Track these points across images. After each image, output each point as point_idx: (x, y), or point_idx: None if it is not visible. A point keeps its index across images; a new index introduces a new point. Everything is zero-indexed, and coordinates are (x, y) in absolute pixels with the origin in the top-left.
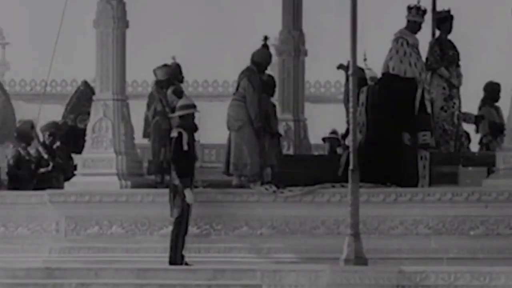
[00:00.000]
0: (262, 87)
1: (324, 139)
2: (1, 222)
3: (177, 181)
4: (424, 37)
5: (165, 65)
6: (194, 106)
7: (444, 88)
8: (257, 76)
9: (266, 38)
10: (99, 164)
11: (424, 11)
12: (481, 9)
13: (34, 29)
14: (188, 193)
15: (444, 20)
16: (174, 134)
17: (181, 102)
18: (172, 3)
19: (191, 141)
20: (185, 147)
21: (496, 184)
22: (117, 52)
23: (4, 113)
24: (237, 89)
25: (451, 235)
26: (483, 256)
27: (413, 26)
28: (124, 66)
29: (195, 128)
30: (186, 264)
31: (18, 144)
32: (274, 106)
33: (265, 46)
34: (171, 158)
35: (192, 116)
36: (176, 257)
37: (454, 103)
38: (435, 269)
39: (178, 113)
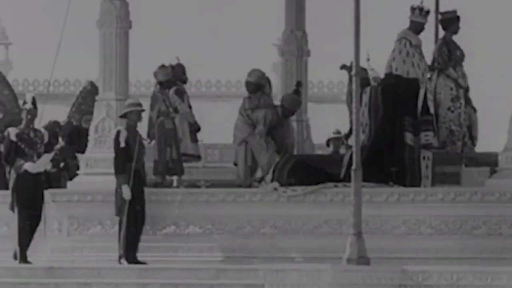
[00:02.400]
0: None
1: (328, 142)
2: (4, 222)
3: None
4: (427, 37)
5: (163, 66)
6: (138, 105)
7: (451, 89)
8: (275, 116)
9: (299, 84)
10: (101, 164)
11: (428, 12)
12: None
13: (37, 29)
14: (125, 190)
15: (451, 21)
16: (113, 131)
17: (126, 102)
18: (175, 3)
19: (131, 139)
20: (122, 144)
21: (499, 184)
22: (120, 52)
23: (11, 113)
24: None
25: (453, 235)
26: (486, 256)
27: (416, 27)
28: (127, 66)
29: (134, 127)
30: (138, 262)
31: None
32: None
33: (296, 92)
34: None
35: (136, 114)
36: (128, 256)
37: (461, 104)
38: (437, 269)
39: (122, 112)
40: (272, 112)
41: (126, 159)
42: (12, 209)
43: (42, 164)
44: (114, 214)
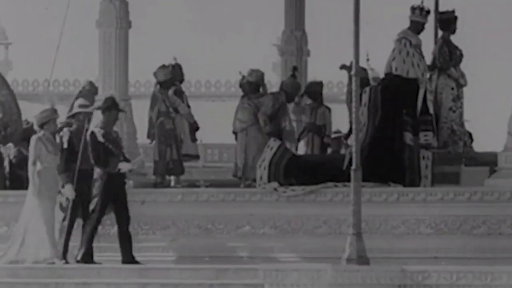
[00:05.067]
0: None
1: (329, 144)
2: (4, 222)
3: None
4: (426, 37)
5: (163, 66)
6: (86, 106)
7: (452, 89)
8: (283, 99)
9: (295, 68)
10: None
11: (428, 12)
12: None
13: (36, 29)
14: (68, 189)
15: (449, 21)
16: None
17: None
18: (175, 3)
19: (76, 139)
20: (65, 145)
21: (498, 184)
22: (120, 52)
23: (10, 113)
24: (246, 94)
25: (453, 234)
26: (485, 256)
27: (416, 27)
28: (127, 66)
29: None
30: (65, 260)
31: (20, 144)
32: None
33: (293, 76)
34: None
35: (81, 116)
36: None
37: (461, 103)
38: (437, 269)
39: (69, 114)
40: (281, 96)
41: (69, 159)
42: (91, 210)
43: (136, 163)
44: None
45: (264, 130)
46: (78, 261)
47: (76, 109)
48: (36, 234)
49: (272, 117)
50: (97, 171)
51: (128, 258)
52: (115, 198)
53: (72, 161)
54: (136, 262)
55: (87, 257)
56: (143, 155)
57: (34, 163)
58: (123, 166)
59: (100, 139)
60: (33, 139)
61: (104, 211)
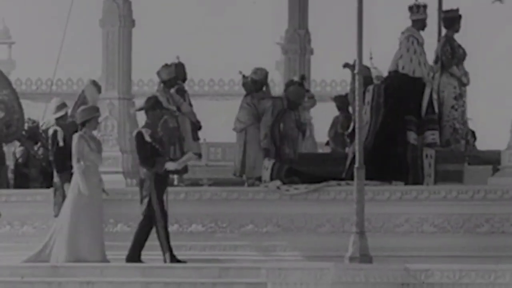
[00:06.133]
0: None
1: (328, 142)
2: (7, 221)
3: (56, 178)
4: (429, 35)
5: (167, 65)
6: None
7: (455, 87)
8: (281, 106)
9: (303, 77)
10: (104, 163)
11: (425, 6)
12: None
13: (40, 28)
14: (67, 188)
15: (453, 20)
16: (50, 132)
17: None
18: (178, 2)
19: (69, 137)
20: (61, 143)
21: (502, 182)
22: (123, 51)
23: (12, 112)
24: (249, 93)
25: (456, 233)
26: (488, 254)
27: (419, 24)
28: (130, 65)
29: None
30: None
31: (26, 143)
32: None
33: (300, 85)
34: (51, 155)
35: (65, 116)
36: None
37: (464, 102)
38: (440, 267)
39: (55, 115)
40: (279, 102)
41: (65, 157)
42: (149, 210)
43: (184, 162)
44: (54, 214)
45: (261, 144)
46: (128, 260)
47: (57, 113)
48: (73, 233)
49: (275, 123)
50: (143, 171)
51: (134, 257)
52: (161, 198)
53: (68, 159)
54: (179, 261)
55: (137, 258)
56: (190, 153)
57: (78, 161)
58: (170, 166)
59: (148, 139)
60: (76, 137)
61: (163, 208)
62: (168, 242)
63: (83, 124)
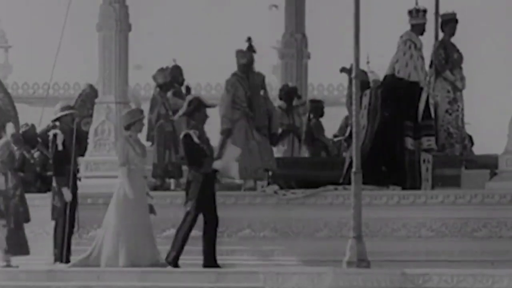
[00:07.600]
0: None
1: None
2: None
3: (55, 182)
4: (426, 39)
5: (162, 69)
6: (70, 108)
7: (448, 92)
8: (235, 78)
9: (249, 39)
10: (101, 167)
11: (425, 11)
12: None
13: (36, 32)
14: (65, 192)
15: (448, 22)
16: (50, 135)
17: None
18: (175, 6)
19: (68, 141)
20: (60, 147)
21: (499, 187)
22: (119, 55)
23: (7, 115)
24: None
25: (453, 237)
26: (486, 259)
27: (418, 29)
28: (127, 69)
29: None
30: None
31: (23, 147)
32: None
33: (249, 48)
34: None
35: (69, 118)
36: (62, 256)
37: (459, 106)
38: (438, 272)
39: (54, 116)
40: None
41: (64, 161)
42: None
43: (229, 158)
44: (52, 217)
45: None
46: (169, 263)
47: (59, 113)
48: (116, 239)
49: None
50: (191, 173)
51: (210, 262)
52: (210, 199)
53: (67, 163)
54: (218, 266)
55: (177, 261)
56: (233, 147)
57: (124, 165)
58: (217, 165)
59: (196, 140)
60: (121, 140)
61: (198, 214)
62: (183, 245)
63: (128, 127)
